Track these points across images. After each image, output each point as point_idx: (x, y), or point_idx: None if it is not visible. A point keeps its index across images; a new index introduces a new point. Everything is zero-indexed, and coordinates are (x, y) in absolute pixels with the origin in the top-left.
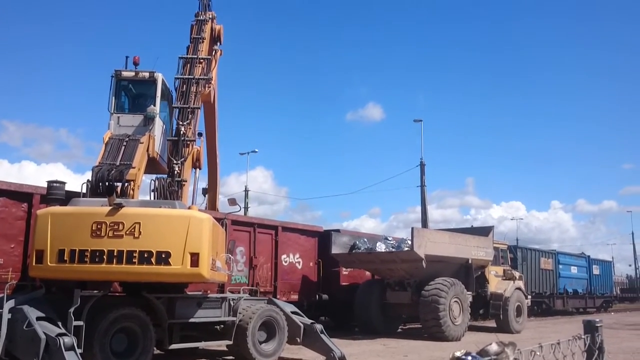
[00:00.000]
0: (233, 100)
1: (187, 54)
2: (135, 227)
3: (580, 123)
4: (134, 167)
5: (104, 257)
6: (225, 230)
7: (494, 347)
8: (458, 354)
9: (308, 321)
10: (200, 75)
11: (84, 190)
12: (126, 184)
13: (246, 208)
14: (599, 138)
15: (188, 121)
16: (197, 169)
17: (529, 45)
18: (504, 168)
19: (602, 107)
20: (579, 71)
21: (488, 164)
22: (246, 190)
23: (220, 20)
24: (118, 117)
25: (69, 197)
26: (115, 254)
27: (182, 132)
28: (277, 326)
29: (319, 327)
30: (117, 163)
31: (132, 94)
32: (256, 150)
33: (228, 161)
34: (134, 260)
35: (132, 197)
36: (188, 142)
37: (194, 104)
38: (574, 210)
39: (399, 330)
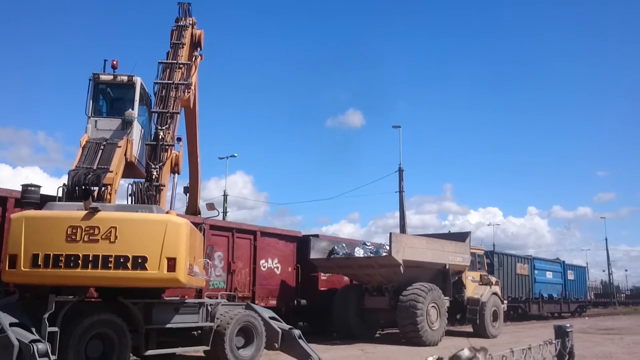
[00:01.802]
0: (212, 106)
1: (167, 59)
2: (111, 231)
3: (556, 131)
4: (111, 171)
5: (79, 262)
6: (204, 235)
7: (465, 353)
8: (430, 359)
9: (286, 326)
10: (179, 81)
11: (60, 195)
12: (103, 188)
13: (225, 213)
14: (574, 146)
15: (167, 126)
16: (176, 174)
17: (507, 56)
18: (482, 174)
19: (576, 116)
20: (554, 82)
21: (466, 170)
22: (225, 195)
23: (201, 24)
24: (96, 121)
25: (44, 201)
26: (90, 258)
27: (160, 137)
28: (255, 331)
29: (297, 332)
30: (94, 167)
31: (110, 98)
32: (235, 154)
33: (208, 166)
34: (109, 265)
35: (109, 202)
36: (167, 147)
37: (173, 109)
38: (550, 217)
39: (377, 335)
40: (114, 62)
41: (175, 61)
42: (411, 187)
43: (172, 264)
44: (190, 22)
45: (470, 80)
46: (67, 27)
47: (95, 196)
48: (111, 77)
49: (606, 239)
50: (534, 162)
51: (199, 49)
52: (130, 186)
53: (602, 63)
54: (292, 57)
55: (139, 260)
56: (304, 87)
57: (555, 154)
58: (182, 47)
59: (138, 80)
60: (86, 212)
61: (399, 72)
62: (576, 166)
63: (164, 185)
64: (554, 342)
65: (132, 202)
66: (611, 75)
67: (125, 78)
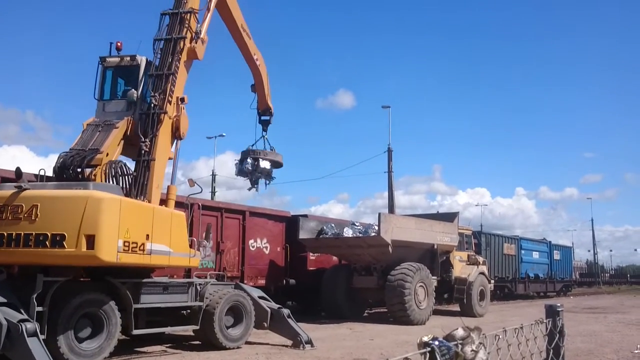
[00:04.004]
0: (203, 85)
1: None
2: (32, 210)
3: (543, 112)
4: (101, 153)
5: (3, 240)
6: (191, 213)
7: (459, 332)
8: (425, 339)
9: (275, 306)
10: (184, 33)
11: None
12: (89, 170)
13: (213, 193)
14: (562, 127)
15: (161, 90)
16: (178, 140)
17: (497, 36)
18: (470, 155)
19: (564, 98)
20: (543, 62)
21: (455, 151)
22: (213, 175)
23: None
24: (104, 104)
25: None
26: (13, 237)
27: (152, 104)
28: (244, 311)
29: (286, 311)
30: (86, 149)
31: (118, 80)
32: (224, 134)
33: (195, 145)
34: (30, 244)
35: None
36: (160, 115)
37: (167, 69)
38: (537, 197)
39: (365, 314)
40: (119, 44)
41: (178, 10)
42: (400, 168)
43: (91, 241)
44: None
45: (461, 60)
46: (56, 11)
47: (86, 177)
48: (118, 59)
49: (592, 220)
50: (522, 144)
51: None
52: (109, 168)
53: (588, 46)
54: (282, 40)
55: (57, 238)
56: (295, 66)
57: (543, 135)
58: None
59: (143, 59)
60: (13, 191)
61: (389, 52)
62: (563, 148)
63: (154, 159)
64: (544, 321)
65: (113, 183)
66: (598, 58)
67: (128, 58)
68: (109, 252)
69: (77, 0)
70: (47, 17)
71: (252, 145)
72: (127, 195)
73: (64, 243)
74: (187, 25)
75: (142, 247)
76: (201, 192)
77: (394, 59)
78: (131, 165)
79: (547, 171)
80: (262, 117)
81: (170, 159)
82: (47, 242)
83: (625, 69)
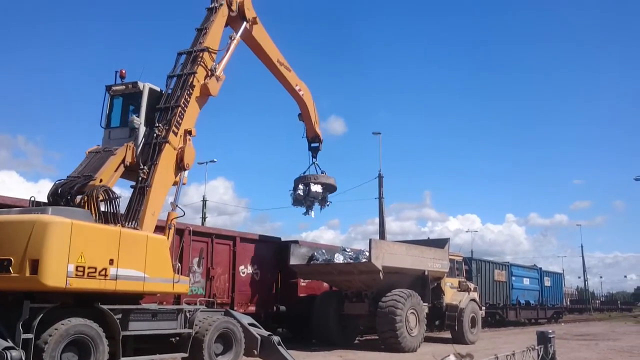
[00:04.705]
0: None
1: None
2: None
3: (533, 140)
4: (94, 179)
5: None
6: (180, 238)
7: (452, 359)
8: None
9: (265, 333)
10: (195, 70)
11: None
12: (79, 197)
13: (204, 218)
14: (551, 154)
15: (166, 121)
16: (183, 170)
17: (487, 66)
18: (461, 182)
19: (553, 126)
20: (532, 91)
21: (445, 177)
22: (204, 200)
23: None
24: (109, 132)
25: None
26: None
27: (155, 134)
28: (234, 338)
29: (276, 339)
30: (81, 176)
31: (125, 107)
32: (215, 160)
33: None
34: None
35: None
36: (161, 144)
37: (175, 102)
38: (527, 224)
39: (356, 341)
40: (122, 72)
41: (192, 49)
42: (391, 194)
43: (35, 265)
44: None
45: (450, 89)
46: (51, 33)
47: (77, 204)
48: (123, 87)
49: (582, 246)
50: (512, 170)
51: (245, 21)
52: (92, 193)
53: (579, 72)
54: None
55: (5, 263)
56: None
57: (533, 162)
58: (205, 33)
59: (145, 86)
60: None
61: (381, 80)
62: (553, 174)
63: (149, 186)
64: (536, 348)
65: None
66: (588, 85)
67: (130, 85)
68: (56, 277)
69: (70, 26)
70: (40, 43)
71: (304, 173)
72: (112, 219)
73: (10, 268)
74: (199, 62)
75: (103, 272)
76: (183, 215)
77: (385, 86)
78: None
79: (536, 197)
80: (312, 145)
81: (175, 184)
82: None
83: (611, 97)
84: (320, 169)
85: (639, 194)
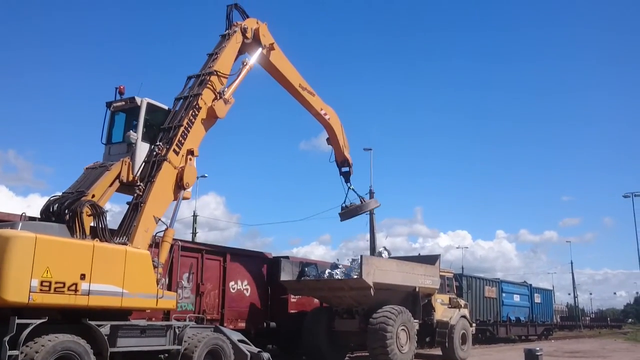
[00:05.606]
0: None
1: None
2: None
3: (523, 156)
4: (86, 195)
5: None
6: (171, 254)
7: None
8: None
9: (255, 350)
10: (202, 92)
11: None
12: (68, 212)
13: (194, 233)
14: (540, 171)
15: (167, 140)
16: (182, 189)
17: (477, 85)
18: (452, 198)
19: (542, 144)
20: (521, 111)
21: (437, 194)
22: (195, 216)
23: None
24: (109, 148)
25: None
26: None
27: (155, 153)
28: (224, 355)
29: (266, 355)
30: (74, 192)
31: (127, 123)
32: (205, 175)
33: None
34: None
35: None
36: (160, 161)
37: (178, 122)
38: (517, 240)
39: (347, 358)
40: (121, 88)
41: (201, 73)
42: (382, 210)
43: None
44: (239, 26)
45: (442, 106)
46: (46, 49)
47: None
48: (123, 102)
49: (572, 263)
50: (502, 187)
51: (260, 48)
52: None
53: (567, 91)
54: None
55: None
56: (278, 110)
57: (523, 179)
58: (216, 58)
59: (143, 101)
60: None
61: (372, 100)
62: (542, 191)
63: (144, 202)
64: None
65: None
66: (575, 103)
67: (128, 100)
68: (17, 292)
69: (62, 41)
70: (33, 58)
71: (344, 203)
72: (101, 234)
73: None
74: (207, 85)
75: (73, 287)
76: (167, 229)
77: (376, 103)
78: None
79: (526, 214)
80: (342, 169)
81: (175, 199)
82: None
83: (600, 115)
84: (357, 193)
85: (628, 211)
